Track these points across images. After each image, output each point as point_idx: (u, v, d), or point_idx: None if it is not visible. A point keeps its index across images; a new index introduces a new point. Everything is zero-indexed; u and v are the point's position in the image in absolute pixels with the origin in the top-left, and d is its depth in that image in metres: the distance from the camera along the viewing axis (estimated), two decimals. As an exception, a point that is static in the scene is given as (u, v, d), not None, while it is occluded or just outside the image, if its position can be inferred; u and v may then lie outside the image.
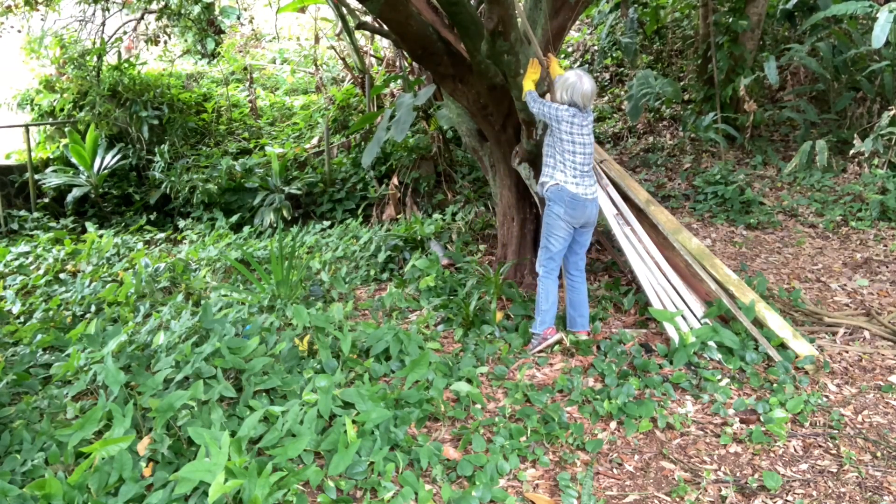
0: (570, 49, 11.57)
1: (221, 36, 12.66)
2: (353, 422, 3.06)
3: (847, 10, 6.56)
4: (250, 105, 10.46)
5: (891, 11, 6.15)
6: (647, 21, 9.89)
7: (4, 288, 5.95)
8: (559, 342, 4.12)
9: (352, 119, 9.44)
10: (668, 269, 4.47)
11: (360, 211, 8.12)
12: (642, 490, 2.88)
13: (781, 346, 3.96)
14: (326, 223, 7.80)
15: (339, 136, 9.35)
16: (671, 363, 3.91)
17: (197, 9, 10.82)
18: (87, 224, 8.13)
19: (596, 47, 10.84)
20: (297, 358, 3.79)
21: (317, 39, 11.73)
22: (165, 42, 11.34)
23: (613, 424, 3.36)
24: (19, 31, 9.64)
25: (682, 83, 9.60)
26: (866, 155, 6.90)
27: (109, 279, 6.08)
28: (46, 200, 8.86)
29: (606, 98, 10.44)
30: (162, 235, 8.03)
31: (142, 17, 10.83)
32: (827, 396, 3.56)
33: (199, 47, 12.68)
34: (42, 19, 9.63)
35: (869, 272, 5.32)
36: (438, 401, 3.40)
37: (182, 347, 3.63)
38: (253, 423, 2.89)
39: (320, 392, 3.23)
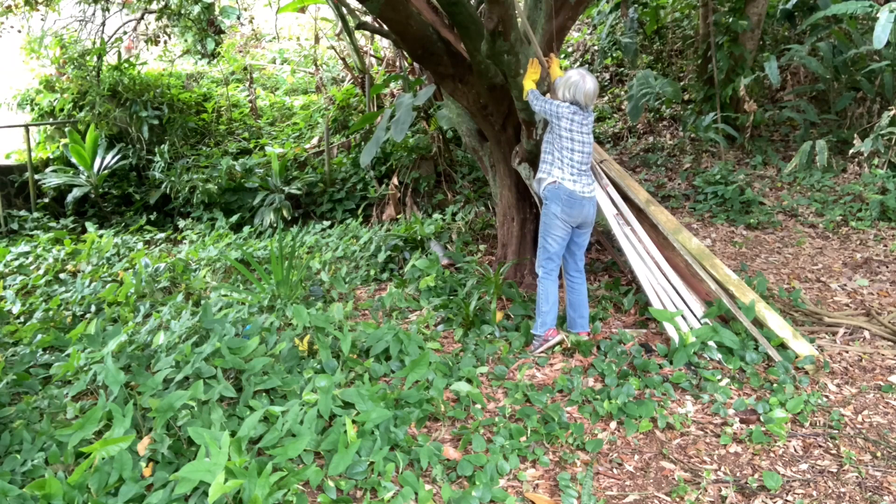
0: (570, 49, 11.57)
1: (221, 36, 12.66)
2: (353, 422, 3.06)
3: (847, 10, 6.56)
4: (250, 105, 10.46)
5: (891, 11, 6.14)
6: (647, 21, 9.89)
7: (4, 288, 5.95)
8: (561, 343, 4.12)
9: (352, 119, 9.44)
10: (668, 269, 4.47)
11: (360, 211, 8.12)
12: (642, 490, 2.88)
13: (781, 346, 3.96)
14: (326, 223, 7.80)
15: (339, 136, 9.35)
16: (671, 363, 3.91)
17: (197, 9, 10.82)
18: (87, 224, 8.13)
19: (596, 47, 10.84)
20: (297, 358, 3.79)
21: (317, 39, 11.74)
22: (165, 42, 11.34)
23: (613, 424, 3.36)
24: (19, 31, 9.64)
25: (682, 83, 9.61)
26: (866, 155, 6.90)
27: (109, 279, 6.08)
28: (46, 200, 8.85)
29: (606, 98, 10.44)
30: (162, 235, 8.03)
31: (142, 17, 10.83)
32: (827, 396, 3.56)
33: (199, 47, 12.68)
34: (42, 19, 9.63)
35: (869, 272, 5.32)
36: (438, 401, 3.40)
37: (182, 347, 3.63)
38: (253, 423, 2.89)
39: (320, 392, 3.23)
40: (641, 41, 10.37)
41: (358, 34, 9.96)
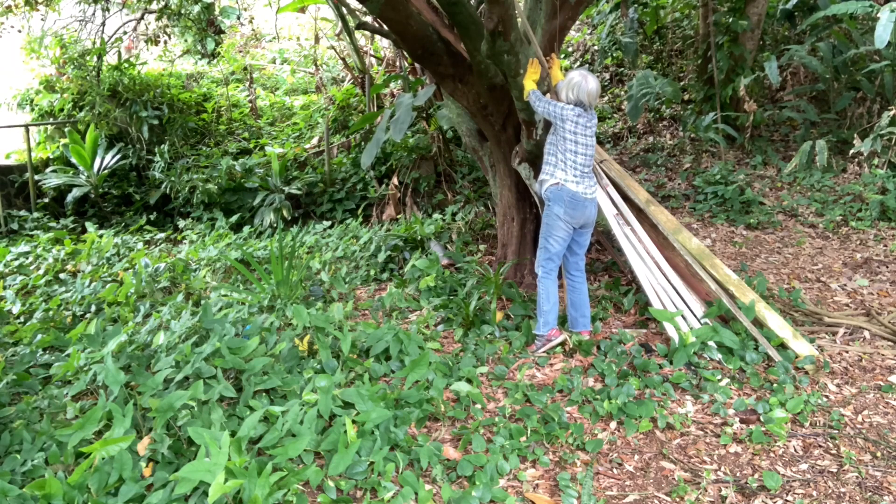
0: (570, 49, 11.57)
1: (221, 36, 12.65)
2: (353, 422, 3.06)
3: (847, 10, 6.56)
4: (250, 105, 10.46)
5: (892, 11, 6.14)
6: (647, 21, 9.89)
7: (4, 288, 5.95)
8: (563, 343, 4.12)
9: (352, 119, 9.44)
10: (668, 269, 4.47)
11: (360, 211, 8.12)
12: (642, 490, 2.88)
13: (781, 346, 3.96)
14: (326, 223, 7.80)
15: (339, 136, 9.35)
16: (671, 363, 3.91)
17: (197, 9, 10.81)
18: (87, 224, 8.13)
19: (596, 47, 10.83)
20: (297, 358, 3.79)
21: (317, 39, 11.74)
22: (165, 42, 11.34)
23: (613, 424, 3.36)
24: (19, 31, 9.64)
25: (682, 83, 9.61)
26: (866, 155, 6.90)
27: (109, 279, 6.08)
28: (46, 200, 8.85)
29: (606, 98, 10.44)
30: (162, 235, 8.03)
31: (142, 17, 10.83)
32: (827, 396, 3.56)
33: (199, 47, 12.67)
34: (42, 19, 9.63)
35: (869, 272, 5.32)
36: (438, 401, 3.40)
37: (182, 347, 3.63)
38: (253, 423, 2.89)
39: (320, 392, 3.23)
40: (641, 41, 10.37)
41: (358, 34, 9.95)
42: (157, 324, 4.57)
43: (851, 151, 6.98)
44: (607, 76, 10.78)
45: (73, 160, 8.91)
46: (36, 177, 8.86)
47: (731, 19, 8.02)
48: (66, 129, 9.29)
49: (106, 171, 8.97)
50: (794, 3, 7.95)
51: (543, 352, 4.10)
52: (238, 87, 11.05)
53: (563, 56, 11.26)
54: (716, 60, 8.05)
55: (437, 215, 7.32)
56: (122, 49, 9.99)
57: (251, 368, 3.45)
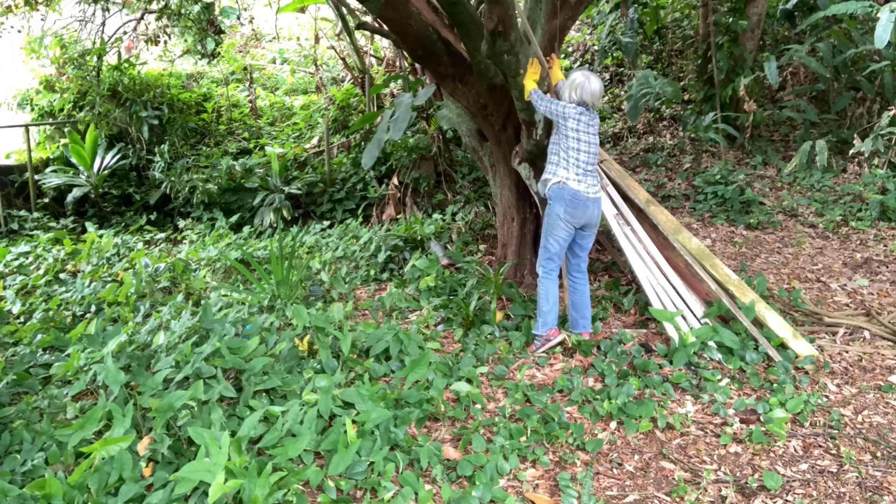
0: (570, 49, 11.57)
1: (221, 36, 12.65)
2: (353, 422, 3.06)
3: (847, 10, 6.56)
4: (250, 105, 10.46)
5: (892, 11, 6.14)
6: (647, 21, 9.89)
7: (4, 288, 5.95)
8: (562, 343, 4.12)
9: (352, 119, 9.44)
10: (668, 269, 4.47)
11: (360, 211, 8.12)
12: (642, 490, 2.88)
13: (781, 346, 3.96)
14: (326, 223, 7.80)
15: (339, 136, 9.35)
16: (671, 363, 3.91)
17: (197, 9, 10.81)
18: (87, 224, 8.13)
19: (596, 47, 10.83)
20: (297, 358, 3.79)
21: (317, 39, 11.74)
22: (165, 42, 11.34)
23: (613, 424, 3.36)
24: (19, 31, 9.64)
25: (682, 83, 9.61)
26: (866, 155, 6.90)
27: (109, 279, 6.08)
28: (46, 200, 8.85)
29: (606, 98, 10.43)
30: (162, 235, 8.03)
31: (142, 17, 10.83)
32: (827, 396, 3.56)
33: (199, 47, 12.67)
34: (42, 19, 9.63)
35: (869, 272, 5.32)
36: (438, 401, 3.40)
37: (182, 347, 3.63)
38: (253, 423, 2.89)
39: (320, 392, 3.23)
40: (641, 41, 10.37)
41: (358, 34, 9.96)
42: (157, 324, 4.57)
43: (851, 151, 6.98)
44: (607, 76, 10.78)
45: (73, 160, 8.91)
46: (36, 177, 8.86)
47: (731, 19, 8.02)
48: (66, 129, 9.29)
49: (106, 171, 8.97)
50: (794, 3, 7.95)
51: (543, 352, 4.10)
52: (238, 87, 11.05)
53: (563, 56, 11.26)
54: (716, 60, 8.05)
55: (437, 215, 7.32)
56: (122, 49, 9.99)
57: (251, 368, 3.45)
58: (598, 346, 4.15)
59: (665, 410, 3.45)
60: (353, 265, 6.17)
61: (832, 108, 7.92)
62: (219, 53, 12.19)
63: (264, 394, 3.44)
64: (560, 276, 4.27)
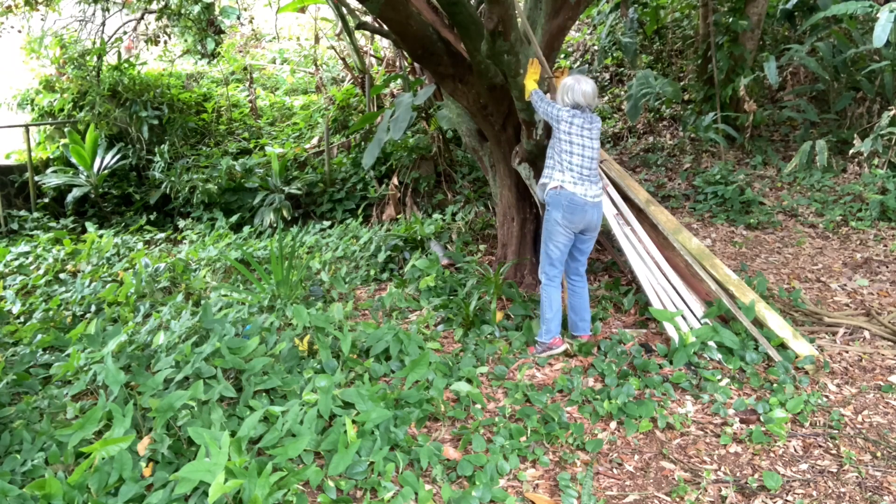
0: (570, 49, 11.57)
1: (221, 36, 12.66)
2: (353, 422, 3.06)
3: (847, 10, 6.56)
4: (250, 105, 10.46)
5: (891, 11, 6.14)
6: (647, 21, 9.89)
7: (4, 288, 5.95)
8: (565, 352, 4.10)
9: (352, 119, 9.44)
10: (668, 269, 4.47)
11: (360, 211, 8.12)
12: (642, 490, 2.88)
13: (781, 346, 3.96)
14: (326, 223, 7.80)
15: (339, 136, 9.35)
16: (671, 363, 3.91)
17: (197, 9, 10.82)
18: (87, 224, 8.13)
19: (596, 47, 10.84)
20: (297, 358, 3.79)
21: (317, 39, 11.74)
22: (165, 42, 11.34)
23: (613, 424, 3.36)
24: (19, 32, 9.64)
25: (682, 83, 9.61)
26: (866, 155, 6.90)
27: (109, 279, 6.08)
28: (46, 200, 8.85)
29: (606, 98, 10.44)
30: (162, 235, 8.03)
31: (142, 17, 10.83)
32: (827, 396, 3.56)
33: (199, 47, 12.68)
34: (42, 19, 9.63)
35: (869, 272, 5.32)
36: (438, 401, 3.40)
37: (182, 347, 3.63)
38: (253, 423, 2.89)
39: (320, 392, 3.23)
40: (641, 41, 10.37)
41: (358, 34, 9.95)
42: (157, 324, 4.57)
43: (851, 151, 6.98)
44: (607, 76, 10.79)
45: (73, 160, 8.91)
46: (36, 177, 8.86)
47: (731, 19, 8.02)
48: (66, 129, 9.29)
49: (106, 171, 8.97)
50: (794, 3, 7.95)
51: (543, 356, 4.10)
52: (238, 87, 11.05)
53: (563, 56, 11.26)
54: (716, 60, 8.05)
55: (437, 215, 7.32)
56: (122, 49, 9.99)
57: (251, 368, 3.45)
58: (598, 346, 4.15)
59: (665, 410, 3.45)
60: (353, 265, 6.17)
61: (832, 108, 7.92)
62: (219, 53, 12.19)
63: (264, 394, 3.44)
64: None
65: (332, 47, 10.85)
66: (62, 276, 6.30)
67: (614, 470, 3.02)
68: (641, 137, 9.33)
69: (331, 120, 9.48)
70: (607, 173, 4.98)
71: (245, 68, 11.34)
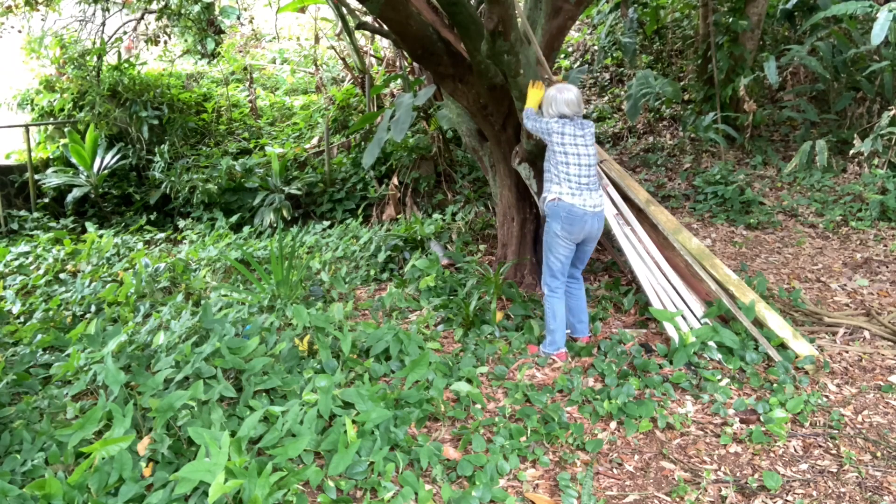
0: (570, 49, 11.57)
1: (221, 36, 12.66)
2: (353, 422, 3.06)
3: (847, 10, 6.56)
4: (250, 105, 10.46)
5: (890, 11, 6.15)
6: (647, 21, 9.90)
7: (4, 288, 5.95)
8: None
9: (352, 119, 9.44)
10: (668, 269, 4.47)
11: (360, 211, 8.12)
12: (642, 490, 2.88)
13: (781, 346, 3.96)
14: (326, 223, 7.80)
15: (339, 136, 9.35)
16: (671, 363, 3.91)
17: (197, 9, 10.81)
18: (87, 224, 8.13)
19: (596, 47, 10.84)
20: (297, 358, 3.79)
21: (317, 39, 11.74)
22: (165, 42, 11.34)
23: (613, 424, 3.36)
24: (19, 32, 9.64)
25: (682, 83, 9.61)
26: (866, 155, 6.90)
27: (109, 279, 6.08)
28: (46, 200, 8.85)
29: (606, 98, 10.44)
30: (162, 235, 8.03)
31: (142, 17, 10.83)
32: (827, 396, 3.56)
33: (199, 47, 12.67)
34: (42, 19, 9.63)
35: (869, 272, 5.32)
36: (438, 401, 3.40)
37: (182, 347, 3.63)
38: (253, 423, 2.89)
39: (320, 392, 3.23)
40: (641, 41, 10.37)
41: (358, 34, 9.95)
42: (157, 324, 4.57)
43: (851, 151, 6.98)
44: (607, 76, 10.79)
45: (73, 160, 8.91)
46: (36, 177, 8.86)
47: (731, 19, 8.02)
48: (66, 129, 9.29)
49: (106, 171, 8.97)
50: (794, 3, 7.95)
51: (543, 356, 4.09)
52: (238, 87, 11.05)
53: (563, 56, 11.26)
54: (716, 60, 8.05)
55: (437, 215, 7.32)
56: (122, 49, 9.99)
57: (251, 368, 3.45)
58: (599, 346, 4.15)
59: (665, 410, 3.45)
60: (353, 265, 6.17)
61: (832, 108, 7.92)
62: (219, 53, 12.19)
63: (264, 394, 3.44)
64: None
65: (332, 47, 10.85)
66: (62, 276, 6.30)
67: (614, 470, 3.02)
68: (641, 137, 9.33)
69: (331, 120, 9.48)
70: (607, 173, 4.98)
71: (245, 68, 11.34)
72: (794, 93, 8.51)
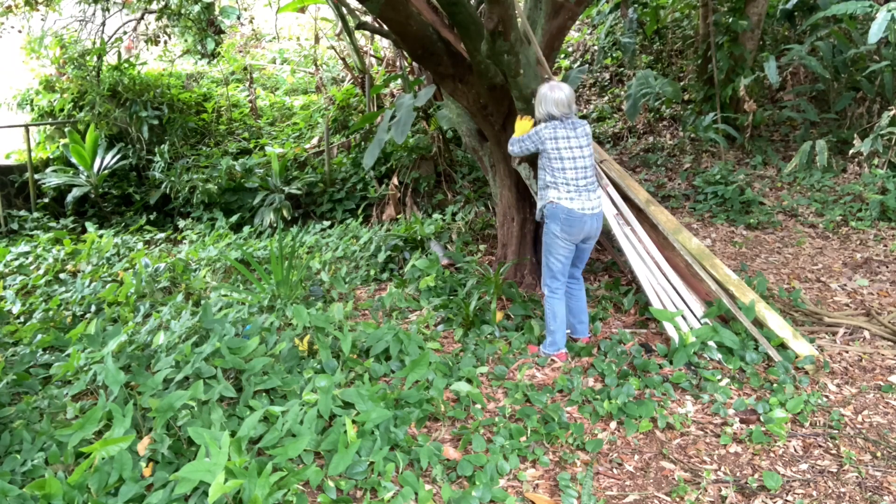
0: (570, 49, 11.57)
1: (221, 36, 12.66)
2: (353, 422, 3.06)
3: (847, 10, 6.56)
4: (250, 105, 10.46)
5: (889, 11, 6.15)
6: (647, 21, 9.90)
7: (4, 288, 5.95)
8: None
9: (352, 119, 9.44)
10: (668, 269, 4.46)
11: (360, 211, 8.12)
12: (642, 490, 2.88)
13: (781, 346, 3.96)
14: (326, 223, 7.80)
15: (339, 136, 9.35)
16: (671, 363, 3.91)
17: (197, 9, 10.81)
18: (87, 224, 8.13)
19: (596, 47, 10.84)
20: (297, 358, 3.79)
21: (317, 39, 11.74)
22: (165, 42, 11.34)
23: (613, 424, 3.36)
24: (19, 32, 9.64)
25: (682, 83, 9.61)
26: (866, 155, 6.90)
27: (109, 279, 6.08)
28: (46, 200, 8.85)
29: (606, 98, 10.44)
30: (162, 235, 8.03)
31: (142, 17, 10.83)
32: (827, 396, 3.56)
33: (199, 47, 12.68)
34: (42, 19, 9.63)
35: (869, 272, 5.32)
36: (438, 401, 3.40)
37: (182, 347, 3.63)
38: (253, 423, 2.89)
39: (320, 392, 3.23)
40: (641, 41, 10.37)
41: (358, 34, 9.95)
42: (157, 324, 4.57)
43: (851, 151, 6.98)
44: (607, 76, 10.79)
45: (73, 160, 8.91)
46: (36, 177, 8.86)
47: (731, 19, 8.02)
48: (66, 129, 9.29)
49: (106, 171, 8.97)
50: (794, 3, 7.95)
51: (542, 356, 4.09)
52: (238, 87, 11.05)
53: (563, 56, 11.26)
54: (716, 60, 8.05)
55: (437, 215, 7.32)
56: (122, 49, 9.99)
57: (251, 368, 3.45)
58: (599, 346, 4.15)
59: (665, 410, 3.45)
60: (353, 265, 6.17)
61: (832, 108, 7.92)
62: (219, 53, 12.19)
63: (264, 394, 3.44)
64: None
65: (332, 47, 10.85)
66: (62, 276, 6.30)
67: (614, 470, 3.02)
68: (641, 137, 9.33)
69: (331, 120, 9.48)
70: (607, 173, 4.97)
71: (245, 68, 11.34)
72: (794, 93, 8.51)
